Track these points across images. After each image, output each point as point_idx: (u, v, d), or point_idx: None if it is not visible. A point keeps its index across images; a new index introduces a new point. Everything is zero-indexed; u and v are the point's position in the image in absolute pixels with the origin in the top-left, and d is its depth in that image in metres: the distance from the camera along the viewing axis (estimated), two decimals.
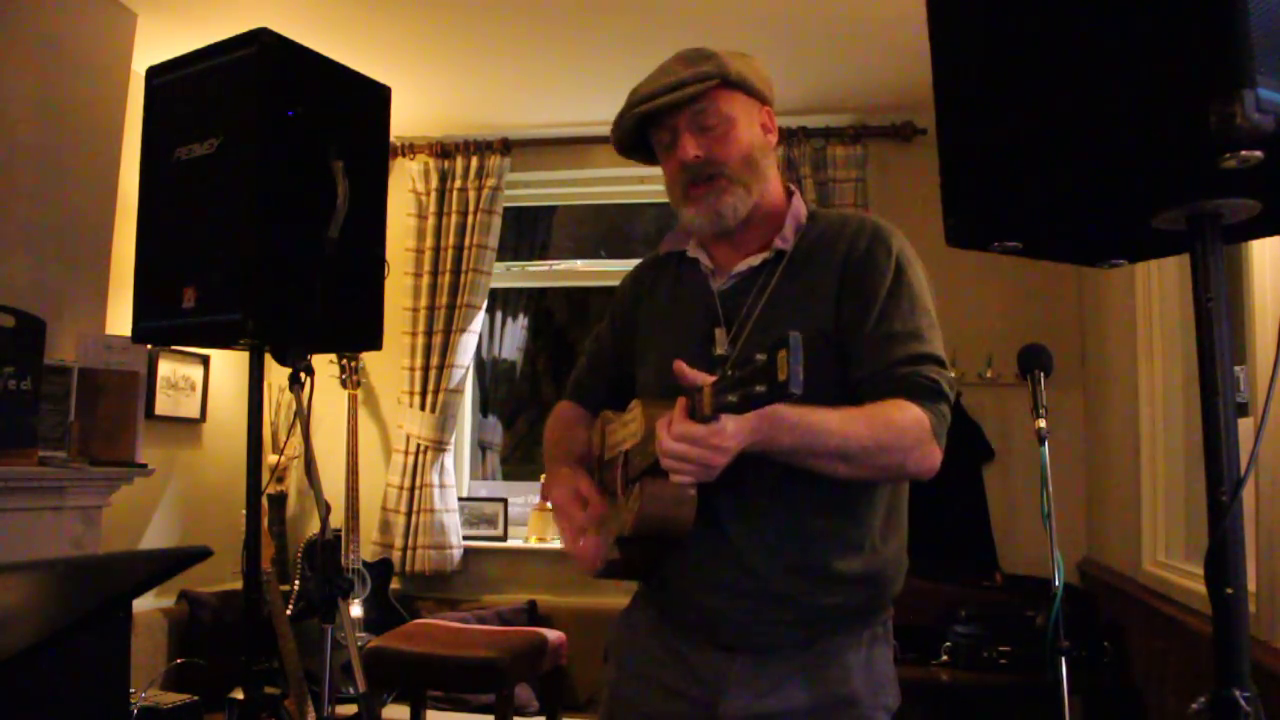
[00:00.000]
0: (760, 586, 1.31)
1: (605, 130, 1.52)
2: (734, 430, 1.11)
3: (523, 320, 4.95)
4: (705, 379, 1.10)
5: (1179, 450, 2.79)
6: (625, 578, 1.44)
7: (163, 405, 3.74)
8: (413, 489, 4.15)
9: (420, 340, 4.20)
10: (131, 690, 2.45)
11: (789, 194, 1.47)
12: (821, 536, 1.32)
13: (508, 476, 4.79)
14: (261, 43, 1.78)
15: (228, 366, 4.11)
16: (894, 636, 1.42)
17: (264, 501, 2.67)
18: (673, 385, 1.27)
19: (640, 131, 1.45)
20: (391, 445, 4.29)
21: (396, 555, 4.09)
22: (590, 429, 1.55)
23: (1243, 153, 0.78)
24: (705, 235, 1.46)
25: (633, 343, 1.54)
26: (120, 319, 3.00)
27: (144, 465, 2.95)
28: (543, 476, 4.27)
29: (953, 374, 1.34)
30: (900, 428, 1.23)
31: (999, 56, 0.99)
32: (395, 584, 4.08)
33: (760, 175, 1.40)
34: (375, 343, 2.02)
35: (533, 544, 4.19)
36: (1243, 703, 0.87)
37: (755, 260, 1.41)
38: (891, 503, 1.39)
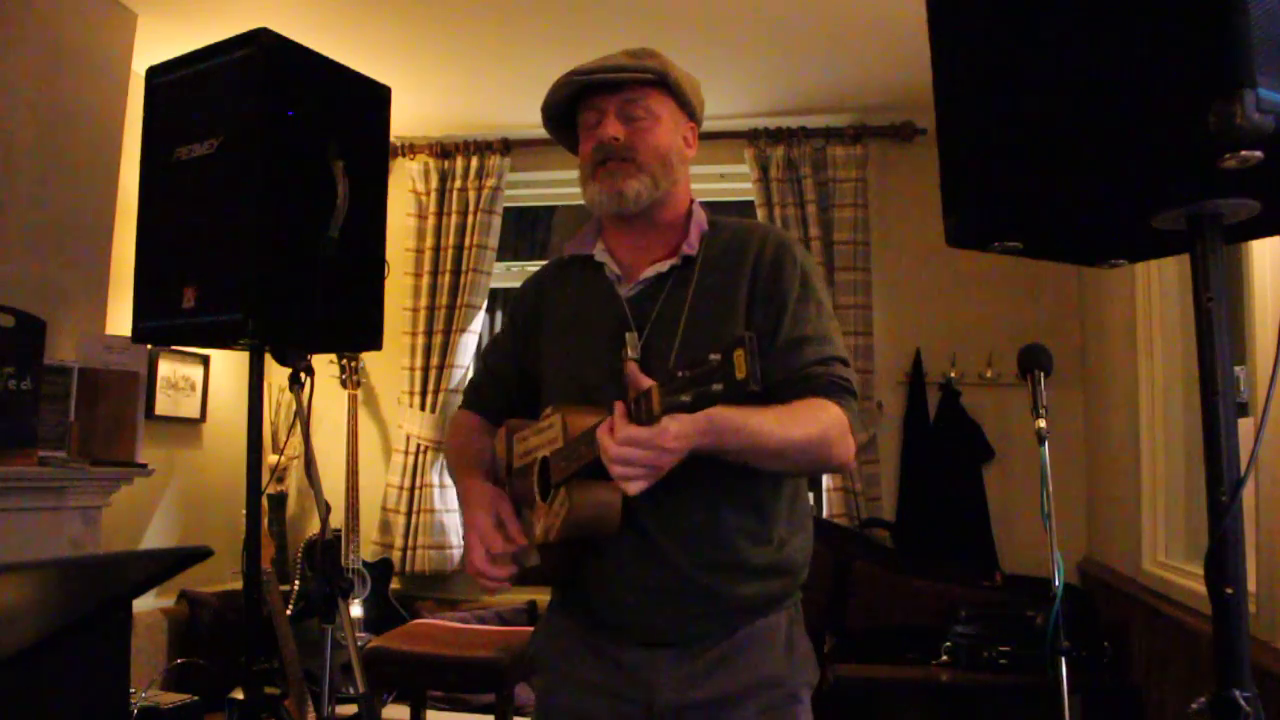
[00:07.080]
0: (682, 583, 1.35)
1: None
2: (678, 431, 1.14)
3: None
4: (649, 381, 1.12)
5: (1179, 450, 2.79)
6: (542, 584, 1.46)
7: (163, 405, 3.74)
8: (413, 489, 4.15)
9: (420, 340, 4.21)
10: (131, 690, 2.45)
11: (691, 204, 1.52)
12: (735, 531, 1.37)
13: None
14: (261, 43, 1.78)
15: (228, 366, 4.11)
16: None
17: (264, 501, 2.67)
18: (583, 389, 1.38)
19: (571, 106, 1.51)
20: (391, 445, 4.29)
21: (396, 555, 4.09)
22: (493, 438, 1.54)
23: (1243, 153, 0.78)
24: (605, 216, 1.50)
25: (536, 348, 1.55)
26: (120, 319, 3.00)
27: (144, 465, 2.94)
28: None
29: (855, 374, 1.44)
30: (825, 425, 1.32)
31: (999, 57, 0.99)
32: (395, 584, 4.08)
33: (670, 175, 1.45)
34: (375, 343, 2.02)
35: None
36: (1243, 703, 0.87)
37: (663, 266, 1.45)
38: (793, 497, 1.46)
